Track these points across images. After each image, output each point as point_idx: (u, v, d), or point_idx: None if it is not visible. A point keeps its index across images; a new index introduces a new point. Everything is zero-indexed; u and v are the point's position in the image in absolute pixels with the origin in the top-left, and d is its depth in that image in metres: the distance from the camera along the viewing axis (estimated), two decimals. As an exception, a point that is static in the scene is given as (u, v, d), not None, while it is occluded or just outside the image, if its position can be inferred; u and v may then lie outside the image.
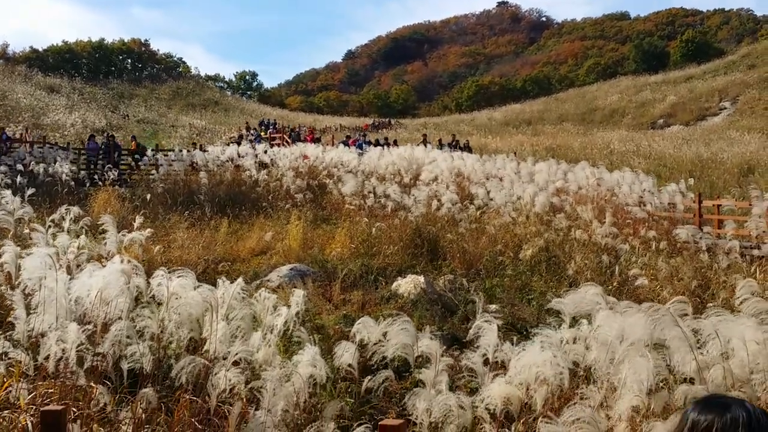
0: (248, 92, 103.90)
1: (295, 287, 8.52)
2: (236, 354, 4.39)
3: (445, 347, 7.16)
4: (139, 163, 26.09)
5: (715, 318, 5.39)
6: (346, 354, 4.58)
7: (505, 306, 10.16)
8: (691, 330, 5.33)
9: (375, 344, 4.69)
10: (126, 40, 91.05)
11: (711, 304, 9.50)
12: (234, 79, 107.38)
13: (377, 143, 30.08)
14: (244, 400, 4.34)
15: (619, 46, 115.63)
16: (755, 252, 13.40)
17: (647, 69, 78.67)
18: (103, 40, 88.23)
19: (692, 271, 11.51)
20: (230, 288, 4.80)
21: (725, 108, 51.80)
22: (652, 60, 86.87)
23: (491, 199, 17.33)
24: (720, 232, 15.49)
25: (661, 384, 5.11)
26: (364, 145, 29.24)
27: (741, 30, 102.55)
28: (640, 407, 4.16)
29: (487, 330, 4.91)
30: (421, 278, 10.83)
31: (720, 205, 17.38)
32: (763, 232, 14.88)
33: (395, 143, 29.86)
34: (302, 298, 5.48)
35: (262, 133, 37.38)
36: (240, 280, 5.06)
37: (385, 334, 4.65)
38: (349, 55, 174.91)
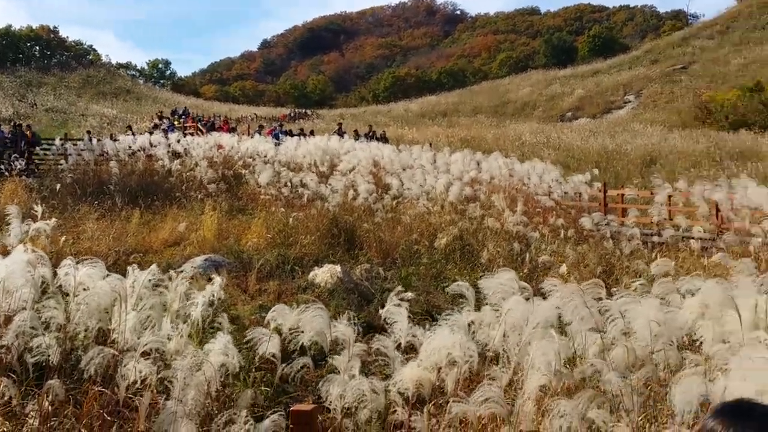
0: (161, 81, 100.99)
1: (209, 278, 8.41)
2: (146, 344, 4.32)
3: (361, 334, 7.26)
4: (33, 153, 25.10)
5: (621, 300, 5.69)
6: (262, 341, 4.57)
7: (420, 294, 10.32)
8: (598, 311, 5.60)
9: (291, 332, 4.70)
10: (34, 27, 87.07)
11: (615, 289, 9.97)
12: (146, 68, 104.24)
13: (293, 133, 29.89)
14: (154, 390, 4.27)
15: (530, 40, 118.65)
16: (655, 239, 14.08)
17: (557, 63, 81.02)
18: (10, 26, 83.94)
19: (597, 257, 12.00)
20: (141, 276, 4.70)
21: (630, 101, 53.98)
22: (562, 54, 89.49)
23: (407, 189, 17.53)
24: (624, 220, 16.20)
25: (566, 364, 5.34)
26: (280, 135, 28.99)
27: (645, 26, 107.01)
28: (547, 386, 4.33)
29: (398, 316, 5.00)
30: (338, 268, 10.87)
31: (624, 194, 18.16)
32: (664, 219, 15.67)
33: (312, 133, 29.73)
34: (219, 286, 5.44)
35: (176, 123, 36.46)
36: (153, 267, 4.97)
37: (303, 325, 4.67)
38: (265, 45, 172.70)
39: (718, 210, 14.93)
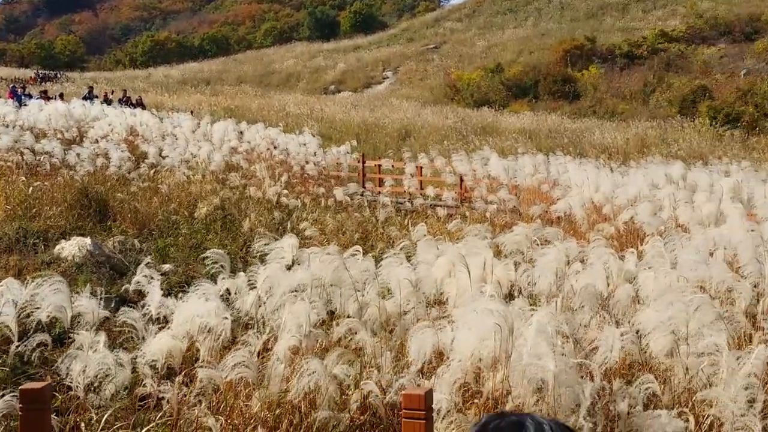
0: None
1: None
2: None
3: (113, 309, 6.91)
4: None
5: (384, 262, 6.02)
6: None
7: (179, 265, 10.05)
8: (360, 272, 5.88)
9: (26, 308, 4.34)
10: None
11: (371, 255, 10.48)
12: None
13: (38, 96, 27.30)
14: None
15: (294, 12, 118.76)
16: (408, 206, 15.00)
17: (320, 36, 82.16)
18: None
19: (355, 224, 12.51)
20: None
21: (388, 77, 56.47)
22: (325, 28, 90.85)
23: (167, 158, 16.85)
24: (380, 190, 17.05)
25: (326, 325, 5.55)
26: (23, 97, 26.39)
27: (402, 5, 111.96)
28: (298, 347, 4.47)
29: (151, 287, 4.85)
30: (88, 240, 10.19)
31: (380, 165, 19.06)
32: (416, 189, 16.73)
33: (61, 96, 27.33)
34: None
35: None
36: None
37: (40, 300, 4.33)
38: (8, 0, 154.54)
39: (462, 180, 16.26)
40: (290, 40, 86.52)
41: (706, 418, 3.77)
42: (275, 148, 19.12)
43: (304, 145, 18.75)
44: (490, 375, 3.51)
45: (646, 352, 4.37)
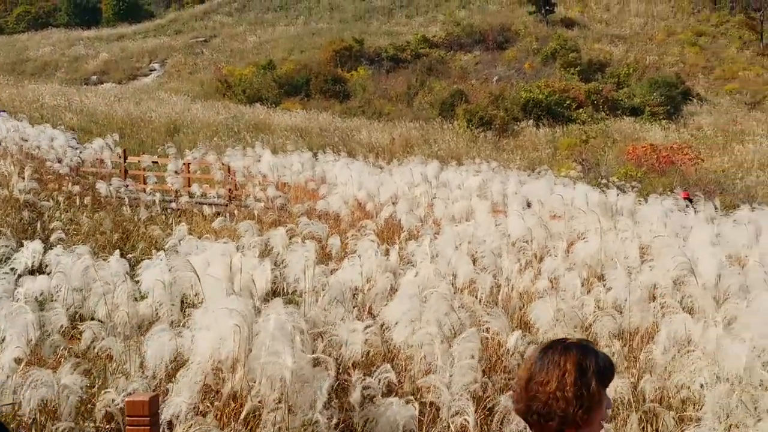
0: None
1: None
2: None
3: None
4: None
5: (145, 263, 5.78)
6: None
7: None
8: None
9: None
10: None
11: (130, 256, 10.01)
12: None
13: None
14: None
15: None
16: (173, 205, 14.52)
17: (80, 23, 76.40)
18: None
19: (113, 224, 11.86)
20: None
21: (155, 69, 53.99)
22: (85, 15, 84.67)
23: None
24: (145, 187, 16.29)
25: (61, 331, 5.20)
26: None
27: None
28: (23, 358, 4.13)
29: None
30: None
31: (143, 161, 18.25)
32: (183, 186, 16.24)
33: None
34: None
35: None
36: None
37: None
38: None
39: (233, 177, 16.07)
40: (47, 26, 79.49)
41: (430, 404, 4.09)
42: (25, 141, 17.51)
43: (58, 139, 17.38)
44: (229, 375, 3.52)
45: (389, 343, 4.64)
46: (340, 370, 4.28)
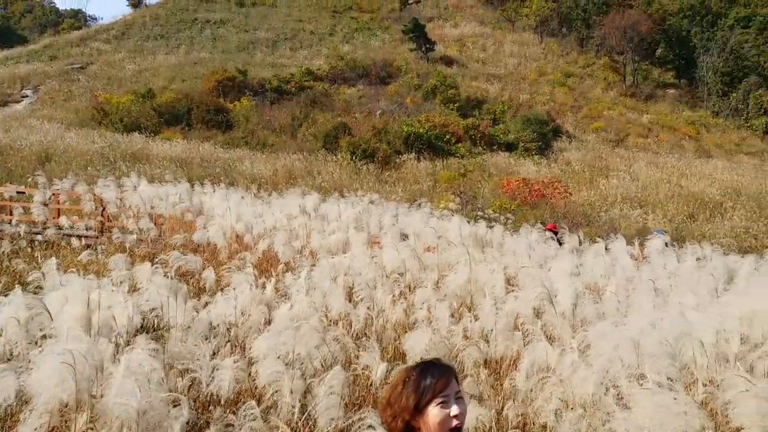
0: None
1: None
2: None
3: None
4: None
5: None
6: None
7: None
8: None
9: None
10: None
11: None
12: None
13: None
14: None
15: None
16: (40, 237, 13.84)
17: (-56, 45, 71.88)
18: None
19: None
20: None
21: (27, 96, 51.38)
22: (-50, 36, 79.76)
23: None
24: (11, 218, 15.45)
25: None
26: None
27: (44, 20, 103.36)
28: None
29: None
30: None
31: (6, 192, 17.33)
32: (52, 217, 15.51)
33: None
34: None
35: None
36: None
37: None
38: None
39: (104, 208, 15.51)
40: None
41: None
42: None
43: None
44: (74, 417, 3.44)
45: (255, 379, 4.64)
46: (204, 408, 4.24)
